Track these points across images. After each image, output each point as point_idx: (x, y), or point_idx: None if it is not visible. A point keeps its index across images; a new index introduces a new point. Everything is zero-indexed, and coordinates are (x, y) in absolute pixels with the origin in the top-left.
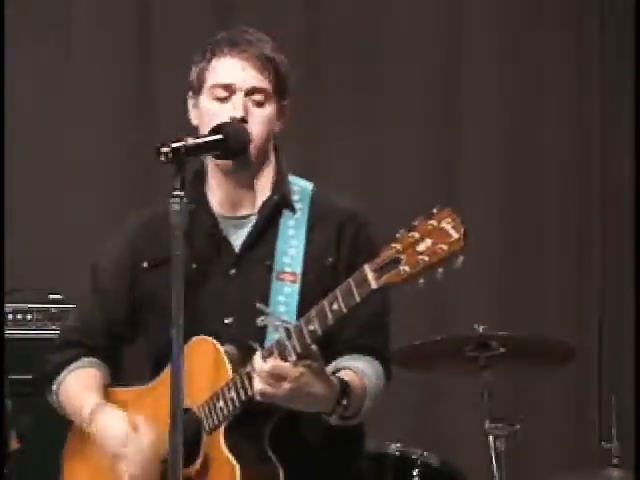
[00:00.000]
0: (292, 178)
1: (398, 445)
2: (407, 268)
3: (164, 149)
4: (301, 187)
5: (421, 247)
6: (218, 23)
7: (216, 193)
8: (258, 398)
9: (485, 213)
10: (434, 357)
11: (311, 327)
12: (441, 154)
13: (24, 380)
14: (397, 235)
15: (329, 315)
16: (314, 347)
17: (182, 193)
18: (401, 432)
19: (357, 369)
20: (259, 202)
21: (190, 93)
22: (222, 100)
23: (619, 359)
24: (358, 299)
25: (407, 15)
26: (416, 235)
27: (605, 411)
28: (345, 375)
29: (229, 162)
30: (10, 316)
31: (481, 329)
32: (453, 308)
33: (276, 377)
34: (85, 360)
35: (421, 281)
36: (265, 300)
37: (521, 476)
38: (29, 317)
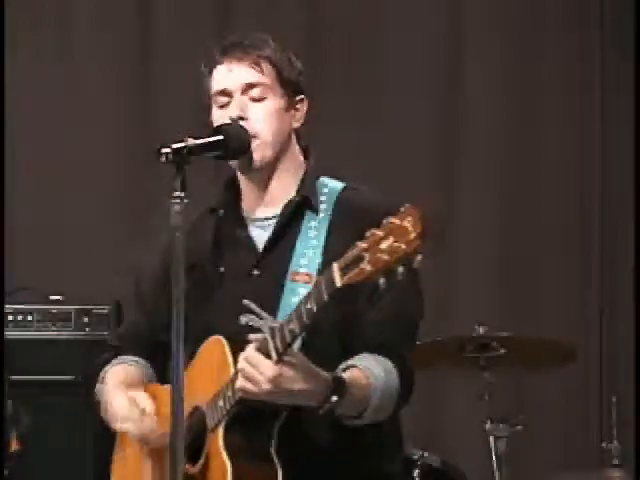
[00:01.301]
0: (324, 179)
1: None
2: (368, 266)
3: (164, 150)
4: (330, 188)
5: (383, 245)
6: (219, 23)
7: (245, 196)
8: (240, 394)
9: (485, 213)
10: (435, 358)
11: (291, 326)
12: (441, 154)
13: (25, 381)
14: (366, 234)
15: (304, 314)
16: (294, 346)
17: (182, 194)
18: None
19: (363, 367)
20: (283, 203)
21: (208, 108)
22: (224, 106)
23: (619, 359)
24: (326, 298)
25: (408, 15)
26: (380, 233)
27: (605, 411)
28: (346, 373)
29: (240, 163)
30: (11, 317)
31: (482, 330)
32: (454, 309)
33: (258, 374)
34: (123, 357)
35: (381, 280)
36: (277, 301)
37: (522, 477)
38: (30, 318)
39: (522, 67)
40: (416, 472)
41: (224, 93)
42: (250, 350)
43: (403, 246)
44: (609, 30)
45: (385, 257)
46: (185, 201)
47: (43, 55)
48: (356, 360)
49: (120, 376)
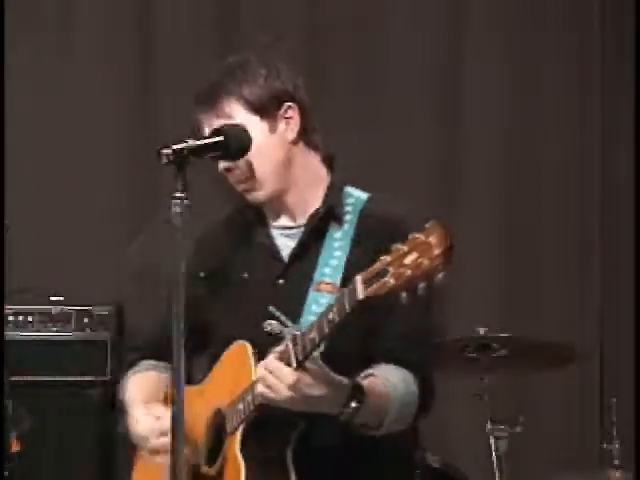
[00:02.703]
0: (349, 189)
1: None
2: (392, 280)
3: (165, 151)
4: (355, 198)
5: (407, 260)
6: (220, 23)
7: (266, 206)
8: (259, 400)
9: (486, 214)
10: (435, 359)
11: (311, 335)
12: (442, 154)
13: (25, 382)
14: (392, 247)
15: (325, 325)
16: (315, 354)
17: (183, 195)
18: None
19: (383, 378)
20: (309, 213)
21: None
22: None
23: (620, 360)
24: (348, 309)
25: (409, 14)
26: (405, 248)
27: (606, 412)
28: (365, 380)
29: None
30: (11, 318)
31: (482, 331)
32: (454, 310)
33: (277, 380)
34: (144, 363)
35: (403, 295)
36: (300, 309)
37: (522, 477)
38: (30, 319)
39: (523, 67)
40: (417, 473)
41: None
42: (270, 358)
43: (426, 262)
44: (609, 30)
45: (408, 272)
46: (186, 202)
47: (43, 55)
48: (375, 369)
49: (141, 389)
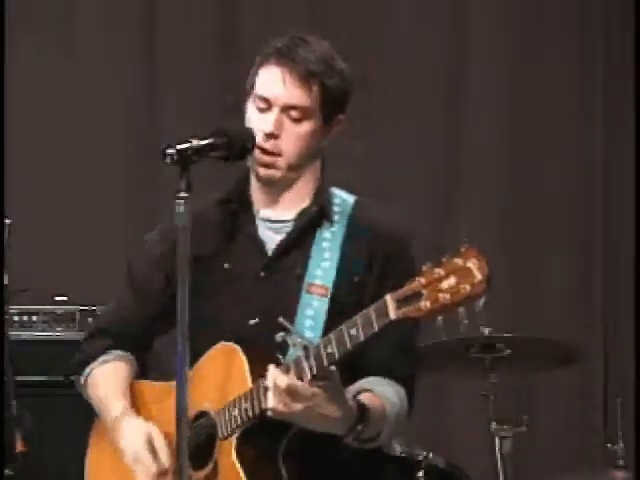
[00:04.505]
0: (334, 190)
1: (403, 446)
2: (428, 304)
3: (169, 151)
4: (342, 200)
5: (444, 285)
6: (223, 23)
7: (257, 194)
8: (270, 414)
9: (489, 214)
10: (440, 358)
11: (329, 350)
12: (443, 154)
13: (29, 382)
14: (423, 268)
15: (347, 340)
16: (332, 369)
17: (187, 195)
18: (406, 433)
19: (379, 393)
20: (297, 209)
21: (247, 94)
22: (262, 110)
23: (625, 360)
24: (377, 328)
25: (410, 14)
26: (441, 272)
27: (611, 412)
28: (365, 399)
29: (257, 173)
30: (16, 317)
31: (487, 331)
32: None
33: (290, 395)
34: (114, 353)
35: (440, 318)
36: (291, 308)
37: (526, 477)
38: (35, 319)
39: (525, 67)
40: (421, 473)
41: (265, 100)
42: (280, 372)
43: (468, 287)
44: (610, 30)
45: (447, 297)
46: (188, 202)
47: (43, 55)
48: (370, 384)
49: (119, 387)
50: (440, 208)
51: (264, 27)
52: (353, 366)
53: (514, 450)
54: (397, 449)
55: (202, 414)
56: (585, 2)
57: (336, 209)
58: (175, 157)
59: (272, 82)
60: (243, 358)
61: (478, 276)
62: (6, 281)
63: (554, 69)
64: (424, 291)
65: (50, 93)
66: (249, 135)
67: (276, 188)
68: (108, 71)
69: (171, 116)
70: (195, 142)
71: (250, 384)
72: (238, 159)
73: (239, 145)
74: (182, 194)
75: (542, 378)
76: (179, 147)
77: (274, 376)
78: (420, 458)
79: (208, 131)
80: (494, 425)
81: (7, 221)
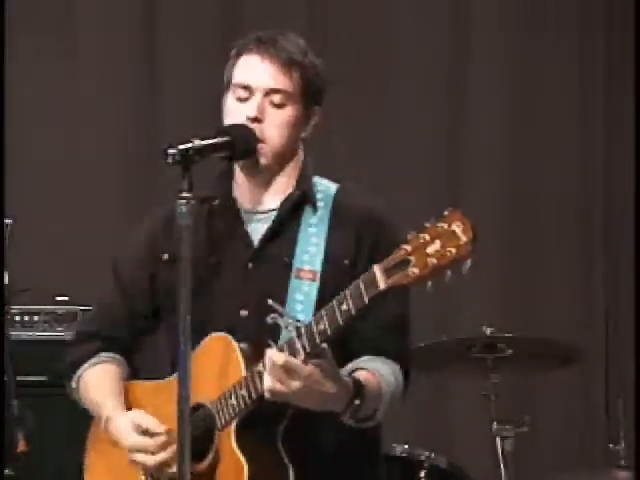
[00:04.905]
0: (317, 178)
1: (405, 447)
2: (416, 270)
3: (171, 150)
4: (325, 187)
5: (430, 249)
6: (224, 23)
7: (241, 188)
8: (267, 395)
9: (491, 214)
10: (441, 359)
11: (321, 327)
12: (444, 153)
13: (31, 382)
14: (408, 236)
15: (338, 315)
16: (324, 346)
17: (190, 194)
18: (408, 434)
19: (374, 371)
20: (281, 198)
21: (225, 90)
22: (242, 100)
23: (626, 360)
24: (367, 300)
25: (411, 14)
26: (426, 237)
27: (613, 412)
28: (361, 376)
29: (244, 164)
30: (17, 317)
31: (488, 331)
32: (460, 309)
33: (287, 372)
34: (103, 355)
35: (429, 284)
36: (281, 296)
37: (528, 477)
38: (36, 319)
39: (526, 67)
40: (423, 473)
41: (245, 88)
42: (275, 351)
43: (454, 250)
44: (611, 30)
45: (434, 261)
46: (192, 202)
47: (43, 55)
48: (365, 362)
49: (110, 387)
50: (440, 208)
51: (264, 27)
52: (347, 347)
53: (515, 450)
54: (398, 449)
55: (198, 406)
56: (585, 2)
57: (319, 195)
58: (177, 157)
59: (253, 68)
60: (236, 347)
61: (463, 238)
62: (6, 281)
63: (554, 69)
64: (411, 258)
65: (50, 93)
66: (252, 134)
67: (260, 179)
68: (108, 71)
69: (171, 116)
70: (197, 142)
71: (244, 372)
72: (241, 158)
73: (242, 144)
74: (184, 194)
75: (543, 378)
76: (181, 147)
77: (270, 355)
78: (422, 458)
79: (209, 131)
80: (495, 425)
81: (7, 221)
